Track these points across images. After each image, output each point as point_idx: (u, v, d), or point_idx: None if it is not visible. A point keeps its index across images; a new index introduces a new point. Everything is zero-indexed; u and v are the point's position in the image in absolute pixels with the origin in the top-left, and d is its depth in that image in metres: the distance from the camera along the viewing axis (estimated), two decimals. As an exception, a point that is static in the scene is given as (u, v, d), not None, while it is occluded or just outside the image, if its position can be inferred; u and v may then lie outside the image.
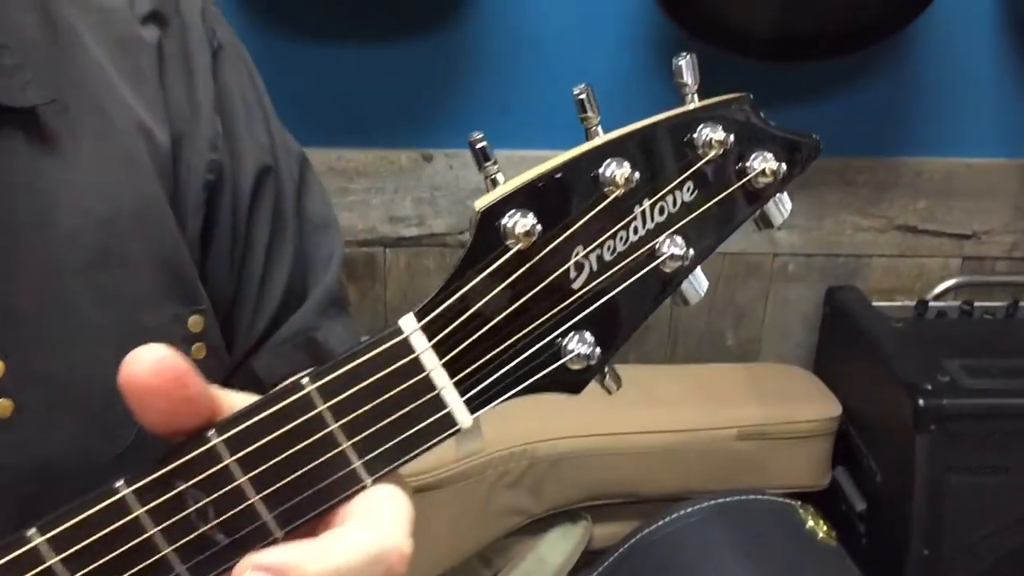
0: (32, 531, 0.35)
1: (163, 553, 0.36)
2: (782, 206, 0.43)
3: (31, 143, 0.52)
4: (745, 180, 0.40)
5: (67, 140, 0.53)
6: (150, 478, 0.35)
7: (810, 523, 1.27)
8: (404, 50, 1.50)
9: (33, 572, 0.35)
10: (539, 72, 1.52)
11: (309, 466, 0.36)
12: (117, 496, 0.35)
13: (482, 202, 0.38)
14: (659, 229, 0.40)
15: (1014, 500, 1.31)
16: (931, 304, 1.56)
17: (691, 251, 0.40)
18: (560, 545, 1.49)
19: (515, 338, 0.38)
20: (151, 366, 0.36)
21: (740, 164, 0.40)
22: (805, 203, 1.61)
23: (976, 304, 1.55)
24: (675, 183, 0.40)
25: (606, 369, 0.41)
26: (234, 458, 0.36)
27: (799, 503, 1.31)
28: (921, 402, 1.25)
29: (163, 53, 0.58)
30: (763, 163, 0.40)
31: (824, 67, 1.49)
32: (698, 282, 0.42)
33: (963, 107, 1.55)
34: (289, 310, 0.64)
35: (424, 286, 1.62)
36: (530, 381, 0.38)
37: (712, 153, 0.39)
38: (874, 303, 1.56)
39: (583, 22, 1.49)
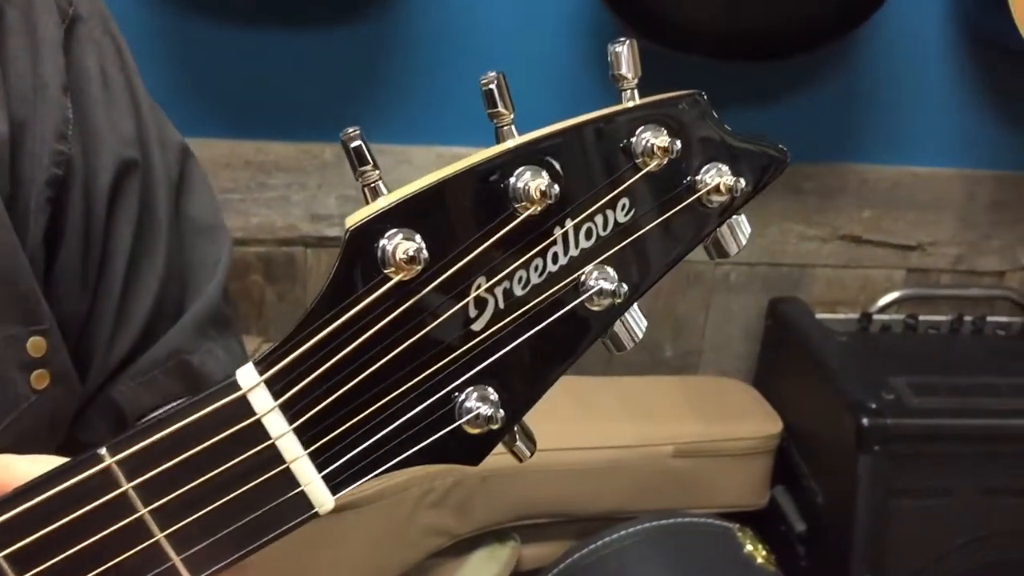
0: None
1: None
2: (739, 230, 0.35)
3: None
4: (694, 197, 0.32)
5: None
6: None
7: (748, 547, 1.21)
8: (332, 37, 1.40)
9: None
10: (472, 63, 1.43)
11: (114, 561, 0.27)
12: None
13: (354, 218, 0.29)
14: (585, 257, 0.31)
15: (960, 524, 1.27)
16: (875, 317, 1.51)
17: (623, 286, 0.32)
18: (486, 567, 1.40)
19: (393, 395, 0.29)
20: None
21: (689, 177, 0.32)
22: (749, 210, 1.53)
23: (920, 318, 1.51)
24: (606, 200, 0.31)
25: (516, 429, 0.33)
26: (3, 553, 0.26)
27: (737, 526, 1.25)
28: (865, 421, 1.20)
29: (4, 23, 0.48)
30: (717, 177, 0.32)
31: (771, 69, 1.43)
32: (634, 323, 0.34)
33: (911, 115, 1.50)
34: (158, 329, 0.55)
35: (348, 289, 1.53)
36: (412, 450, 0.30)
37: (654, 163, 0.31)
38: (818, 315, 1.51)
39: (519, 12, 1.41)
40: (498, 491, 1.35)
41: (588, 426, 1.40)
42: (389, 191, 0.28)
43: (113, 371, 0.54)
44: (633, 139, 0.31)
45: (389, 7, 1.39)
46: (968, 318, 1.50)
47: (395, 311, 0.29)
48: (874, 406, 1.21)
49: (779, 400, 1.46)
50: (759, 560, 1.19)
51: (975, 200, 1.56)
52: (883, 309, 1.56)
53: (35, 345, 0.49)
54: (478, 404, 0.30)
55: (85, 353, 0.53)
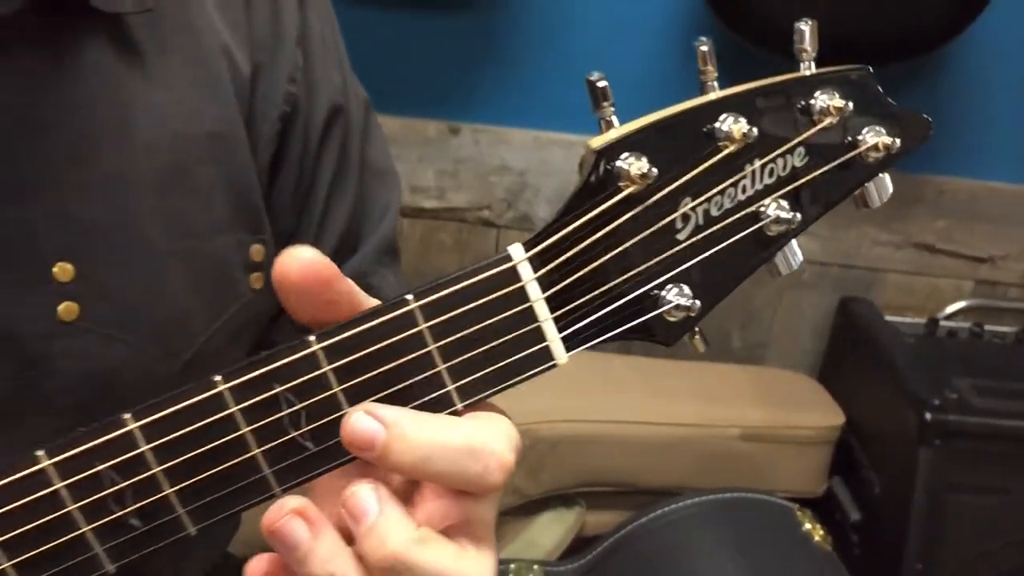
0: (127, 416, 0.34)
1: (252, 453, 0.35)
2: (884, 188, 0.42)
3: (118, 53, 0.51)
4: (857, 152, 0.40)
5: (153, 54, 0.52)
6: (248, 376, 0.35)
7: (807, 526, 1.27)
8: (444, 22, 1.49)
9: (124, 457, 0.34)
10: (573, 56, 1.51)
11: (403, 384, 0.36)
12: (214, 391, 0.34)
13: (598, 141, 0.37)
14: (767, 191, 0.39)
15: (1013, 522, 1.32)
16: (942, 323, 1.56)
17: (797, 216, 0.40)
18: (551, 529, 1.48)
19: (617, 281, 0.37)
20: (300, 268, 0.35)
21: (853, 135, 0.40)
22: (827, 214, 1.61)
23: (986, 327, 1.55)
24: (787, 147, 0.39)
25: (697, 328, 0.41)
26: (331, 367, 0.35)
27: (797, 506, 1.31)
28: (928, 416, 1.26)
29: None
30: (876, 137, 0.40)
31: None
32: (794, 254, 0.42)
33: (993, 130, 1.55)
34: (344, 252, 0.64)
35: (437, 264, 1.61)
36: (627, 326, 0.38)
37: (827, 120, 0.39)
38: (887, 318, 1.56)
39: (622, 10, 1.48)
40: (567, 457, 1.43)
41: (657, 403, 1.47)
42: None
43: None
44: (812, 100, 0.39)
45: (499, 2, 1.48)
46: (1033, 331, 1.55)
47: (622, 217, 0.37)
48: (937, 402, 1.27)
49: (842, 395, 1.52)
50: (816, 538, 1.25)
51: (1049, 218, 1.61)
52: (950, 317, 1.61)
53: (257, 251, 0.58)
54: (677, 297, 0.38)
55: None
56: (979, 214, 1.61)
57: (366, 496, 0.35)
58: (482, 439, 0.36)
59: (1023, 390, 1.35)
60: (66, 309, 0.49)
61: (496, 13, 1.48)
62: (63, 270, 0.49)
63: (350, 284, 0.38)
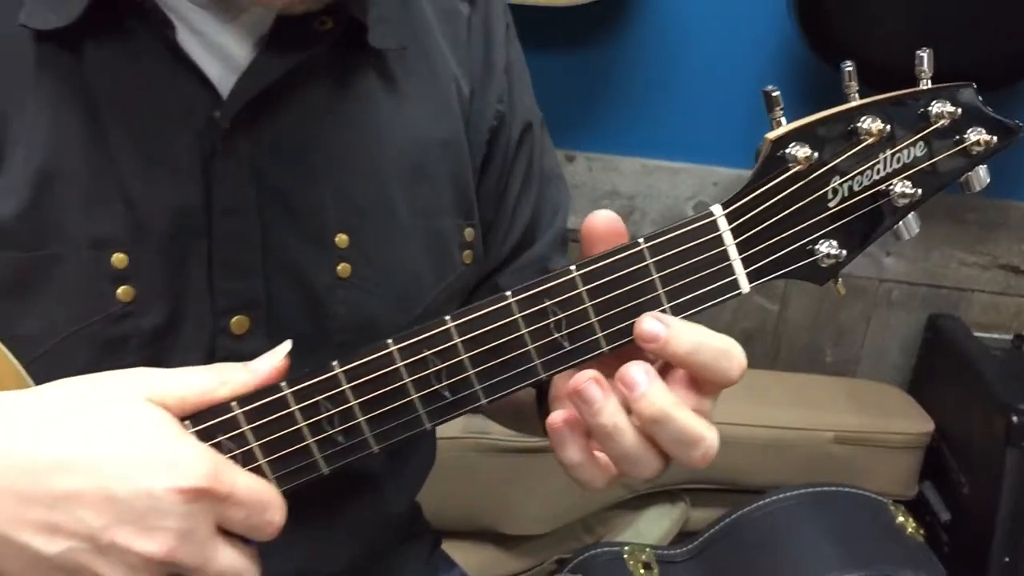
0: (447, 317, 0.50)
1: (527, 348, 0.50)
2: (980, 177, 0.56)
3: (379, 79, 0.68)
4: (963, 146, 0.54)
5: (402, 80, 0.69)
6: (528, 293, 0.50)
7: (900, 519, 1.38)
8: (564, 61, 1.65)
9: (442, 347, 0.50)
10: (676, 93, 1.66)
11: (633, 302, 0.51)
12: (505, 302, 0.50)
13: (774, 134, 0.52)
14: (895, 173, 0.53)
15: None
16: (1029, 339, 1.66)
17: (919, 191, 0.54)
18: (658, 523, 1.61)
19: (786, 235, 0.52)
20: (606, 222, 0.51)
21: (960, 134, 0.54)
22: (916, 236, 1.72)
23: (1071, 344, 1.65)
24: (911, 140, 0.53)
25: (839, 276, 0.55)
26: (585, 288, 0.50)
27: (891, 500, 1.42)
28: (1015, 419, 1.36)
29: (471, 24, 0.74)
30: (979, 135, 0.54)
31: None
32: (912, 224, 0.56)
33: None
34: (526, 241, 0.80)
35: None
36: (792, 267, 0.52)
37: (941, 123, 0.53)
38: (975, 334, 1.66)
39: (728, 50, 1.62)
40: (675, 455, 1.56)
41: (757, 408, 1.59)
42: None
43: (499, 264, 0.79)
44: (930, 107, 0.53)
45: (614, 41, 1.64)
46: (1116, 349, 1.63)
47: (790, 188, 0.51)
48: (1023, 406, 1.37)
49: (931, 405, 1.63)
50: (909, 530, 1.36)
51: None
52: (1035, 334, 1.71)
53: (468, 233, 0.74)
54: (828, 248, 0.52)
55: (484, 248, 0.78)
56: (1062, 238, 1.71)
57: (638, 371, 0.50)
58: (730, 344, 0.51)
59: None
60: (343, 268, 0.66)
61: (609, 55, 1.64)
62: (341, 239, 0.65)
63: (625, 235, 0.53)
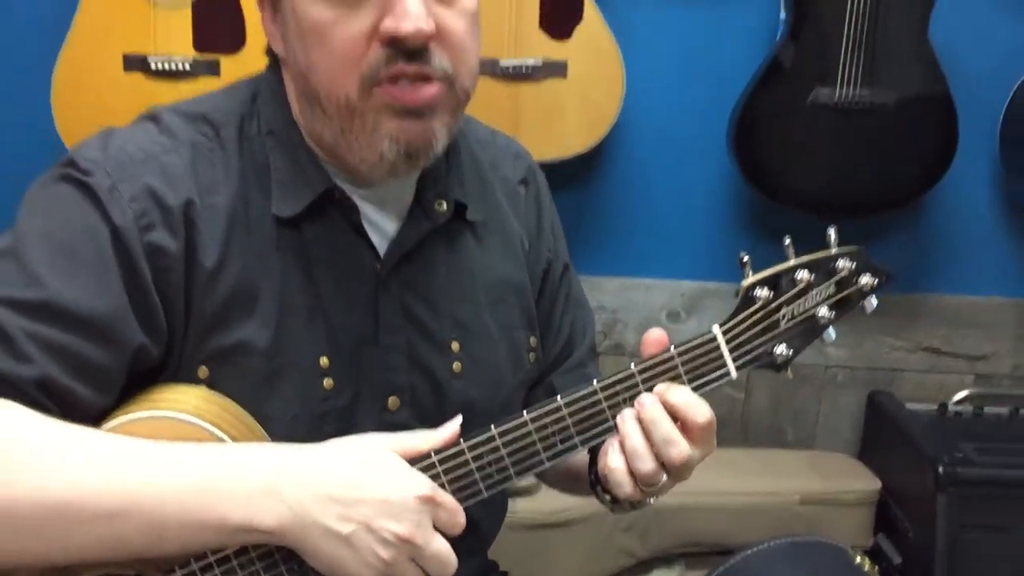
0: (559, 401, 0.83)
1: (573, 433, 0.84)
2: (871, 302, 0.90)
3: (472, 238, 1.02)
4: (858, 286, 0.88)
5: (487, 239, 1.03)
6: (579, 393, 0.84)
7: (859, 560, 1.69)
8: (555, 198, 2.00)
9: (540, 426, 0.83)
10: (648, 223, 2.03)
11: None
12: (556, 404, 0.84)
13: (746, 282, 0.86)
14: (820, 303, 0.87)
15: (1015, 556, 1.73)
16: (950, 407, 2.00)
17: (833, 314, 0.88)
18: (659, 584, 1.90)
19: (757, 342, 0.85)
20: (659, 337, 0.84)
21: (857, 278, 0.88)
22: (851, 327, 2.08)
23: (986, 409, 1.99)
24: (827, 284, 0.88)
25: (790, 367, 0.88)
26: (641, 378, 0.84)
27: (850, 544, 1.73)
28: (941, 469, 1.70)
29: (526, 200, 1.09)
30: (867, 279, 0.88)
31: (867, 224, 1.99)
32: (831, 333, 0.90)
33: (970, 257, 2.04)
34: (566, 351, 1.12)
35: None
36: (761, 361, 0.86)
37: (844, 272, 0.88)
38: (907, 406, 2.01)
39: (685, 187, 2.00)
40: (669, 523, 1.87)
41: (733, 480, 1.91)
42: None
43: (549, 367, 1.11)
44: (837, 263, 0.88)
45: (590, 185, 2.00)
46: (1022, 410, 1.98)
47: (757, 315, 0.85)
48: (947, 459, 1.71)
49: (878, 467, 1.96)
50: (867, 567, 1.67)
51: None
52: (958, 403, 2.05)
53: (532, 342, 1.06)
54: (782, 350, 0.86)
55: (544, 355, 1.11)
56: (970, 322, 2.07)
57: (647, 395, 0.83)
58: (703, 403, 0.85)
59: (1015, 449, 1.79)
60: (456, 366, 0.98)
61: (591, 195, 2.01)
62: (455, 347, 0.98)
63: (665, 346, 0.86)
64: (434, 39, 0.83)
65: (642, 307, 2.07)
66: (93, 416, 0.80)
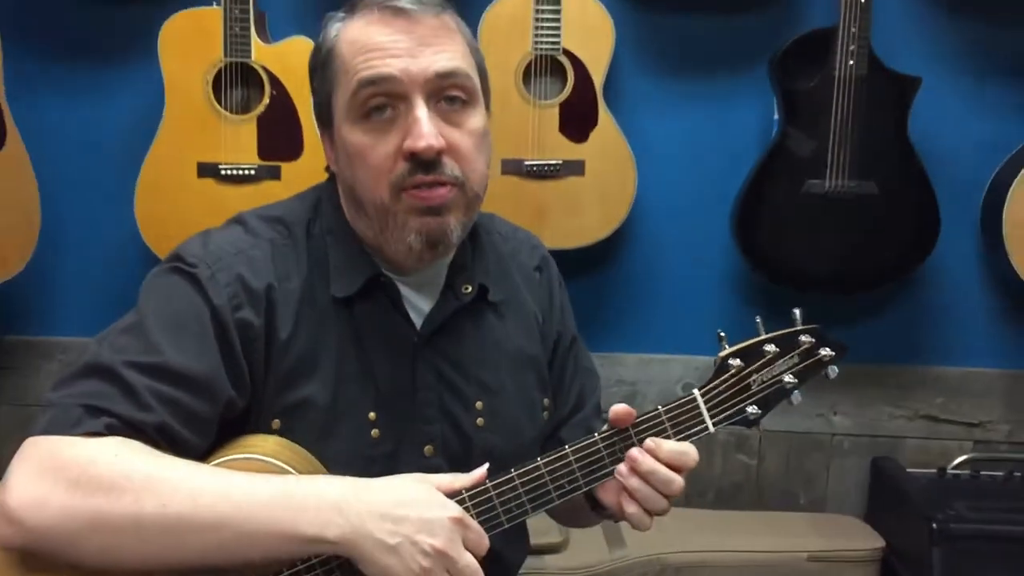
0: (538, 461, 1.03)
1: (577, 474, 1.03)
2: (833, 370, 1.09)
3: (493, 315, 1.22)
4: (818, 357, 1.07)
5: (507, 316, 1.24)
6: (584, 443, 1.03)
7: (862, 611, 1.83)
8: (578, 282, 2.20)
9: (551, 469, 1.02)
10: (662, 305, 2.23)
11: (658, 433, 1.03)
12: (563, 452, 1.03)
13: (722, 354, 1.05)
14: (785, 371, 1.06)
15: (1008, 606, 1.87)
16: (949, 471, 2.15)
17: (798, 380, 1.06)
18: (679, 637, 2.04)
19: (730, 403, 1.04)
20: (626, 411, 1.03)
21: (817, 350, 1.07)
22: (854, 398, 2.24)
23: (982, 472, 2.13)
24: (791, 355, 1.07)
25: (761, 424, 1.07)
26: (636, 433, 1.03)
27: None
28: (935, 525, 1.85)
29: (540, 282, 1.30)
30: (826, 351, 1.07)
31: (864, 301, 2.17)
32: (798, 396, 1.08)
33: (962, 331, 2.21)
34: (576, 408, 1.32)
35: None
36: (735, 420, 1.04)
37: (806, 345, 1.07)
38: (908, 470, 2.16)
39: (695, 271, 2.20)
40: (688, 579, 2.02)
41: (747, 538, 2.07)
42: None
43: (560, 422, 1.30)
44: (800, 337, 1.06)
45: (609, 269, 2.21)
46: (1017, 473, 2.13)
47: (730, 381, 1.04)
48: (941, 516, 1.86)
49: (882, 527, 2.10)
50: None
51: (1016, 391, 2.23)
52: (957, 466, 2.20)
53: (546, 402, 1.26)
54: (752, 409, 1.04)
55: (556, 412, 1.30)
56: (965, 391, 2.23)
57: (638, 452, 1.01)
58: (689, 447, 1.03)
59: (1007, 507, 1.93)
60: (480, 421, 1.17)
61: (610, 279, 2.22)
62: (479, 405, 1.17)
63: (634, 417, 1.05)
64: (446, 152, 1.06)
65: (660, 380, 2.25)
66: (195, 458, 1.00)
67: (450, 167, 1.06)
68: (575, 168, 2.00)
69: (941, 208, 2.00)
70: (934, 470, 2.16)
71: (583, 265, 2.18)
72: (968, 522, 1.87)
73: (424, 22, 1.06)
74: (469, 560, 0.96)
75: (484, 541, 0.98)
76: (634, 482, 1.02)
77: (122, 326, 1.03)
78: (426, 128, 1.04)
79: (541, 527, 2.02)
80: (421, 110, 1.04)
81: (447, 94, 1.07)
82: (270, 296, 1.08)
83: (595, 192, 2.01)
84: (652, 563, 2.00)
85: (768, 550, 2.04)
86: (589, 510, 1.16)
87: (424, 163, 1.05)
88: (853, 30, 1.90)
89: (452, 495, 1.00)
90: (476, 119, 1.10)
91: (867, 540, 2.08)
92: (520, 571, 1.86)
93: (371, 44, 1.05)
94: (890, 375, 2.24)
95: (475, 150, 1.09)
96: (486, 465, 1.04)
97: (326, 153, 1.16)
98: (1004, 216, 1.97)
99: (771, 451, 2.28)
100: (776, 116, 2.02)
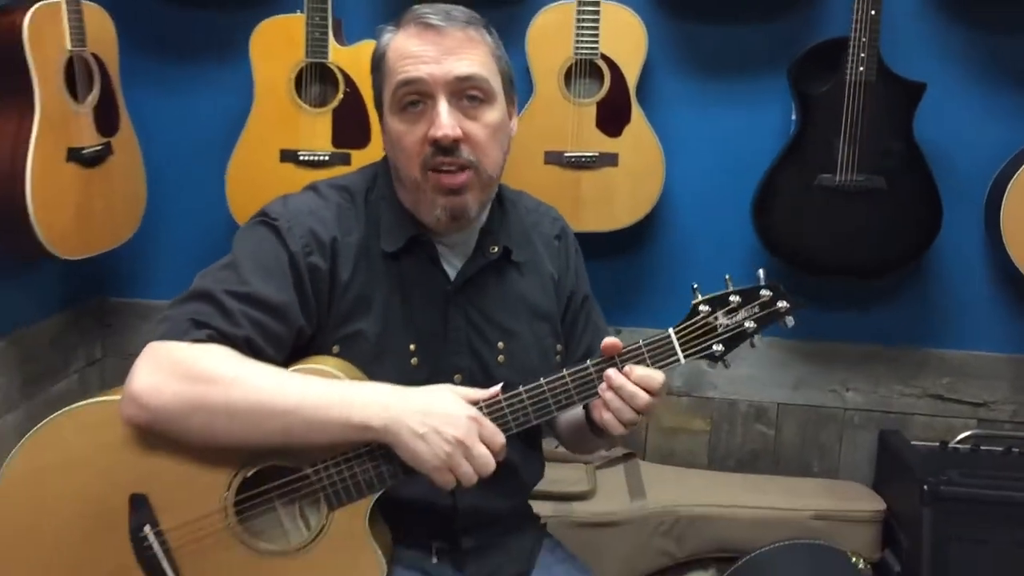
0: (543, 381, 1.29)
1: (572, 391, 1.28)
2: (788, 320, 1.31)
3: (516, 273, 1.48)
4: (776, 308, 1.29)
5: (528, 274, 1.50)
6: (579, 368, 1.28)
7: (854, 560, 2.05)
8: (609, 261, 2.46)
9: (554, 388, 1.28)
10: (687, 280, 2.44)
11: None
12: (562, 375, 1.28)
13: (694, 301, 1.29)
14: (746, 319, 1.29)
15: (995, 565, 2.05)
16: (951, 445, 2.33)
17: (757, 326, 1.29)
18: (695, 584, 2.27)
19: (701, 341, 1.28)
20: (613, 342, 1.28)
21: (775, 303, 1.30)
22: (866, 376, 2.44)
23: (982, 447, 2.31)
24: (752, 304, 1.30)
25: (727, 359, 1.31)
26: (621, 363, 1.28)
27: (849, 551, 2.09)
28: (926, 487, 2.04)
29: (558, 248, 1.55)
30: (782, 304, 1.29)
31: (874, 286, 2.37)
32: (757, 341, 1.31)
33: (967, 316, 2.39)
34: (586, 358, 1.53)
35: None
36: (703, 354, 1.28)
37: (765, 298, 1.30)
38: (912, 443, 2.35)
39: (716, 251, 2.43)
40: (702, 530, 2.25)
41: (759, 496, 2.29)
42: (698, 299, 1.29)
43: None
44: (761, 292, 1.28)
45: (637, 250, 2.45)
46: (1016, 449, 2.30)
47: (700, 323, 1.28)
48: (932, 479, 2.06)
49: (886, 494, 2.30)
50: (860, 566, 2.02)
51: (1022, 374, 2.40)
52: (958, 442, 2.37)
53: (558, 348, 1.51)
54: (718, 347, 1.27)
55: (568, 358, 1.55)
56: (970, 373, 2.41)
57: (612, 371, 1.26)
58: (659, 374, 1.27)
59: (997, 475, 2.11)
60: (501, 359, 1.43)
61: (638, 258, 2.45)
62: (501, 345, 1.43)
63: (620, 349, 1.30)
64: (463, 140, 1.32)
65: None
66: None
67: (466, 152, 1.32)
68: (610, 160, 2.24)
69: (945, 202, 2.19)
70: (937, 444, 2.34)
71: (615, 247, 2.42)
72: (958, 486, 2.06)
73: (451, 35, 1.32)
74: (483, 451, 1.21)
75: (499, 437, 1.23)
76: (608, 395, 1.26)
77: (220, 264, 1.32)
78: (445, 120, 1.30)
79: (571, 478, 2.28)
80: (442, 106, 1.30)
81: (467, 93, 1.32)
82: (334, 247, 1.36)
83: (627, 181, 2.25)
84: (668, 514, 2.23)
85: (777, 507, 2.25)
86: (589, 431, 1.40)
87: (444, 148, 1.31)
88: (863, 40, 2.11)
89: (473, 403, 1.26)
90: (492, 114, 1.35)
91: (869, 503, 2.28)
92: (549, 514, 2.13)
93: (408, 52, 1.32)
94: (900, 355, 2.43)
95: (489, 139, 1.34)
96: (501, 384, 1.29)
97: (382, 136, 1.44)
98: (1002, 212, 2.15)
99: (788, 423, 2.49)
100: (793, 116, 2.24)
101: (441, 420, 1.20)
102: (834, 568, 2.02)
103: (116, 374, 2.57)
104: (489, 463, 1.21)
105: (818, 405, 2.47)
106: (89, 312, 2.52)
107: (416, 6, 1.36)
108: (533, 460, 1.53)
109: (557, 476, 2.15)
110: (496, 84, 1.36)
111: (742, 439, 2.51)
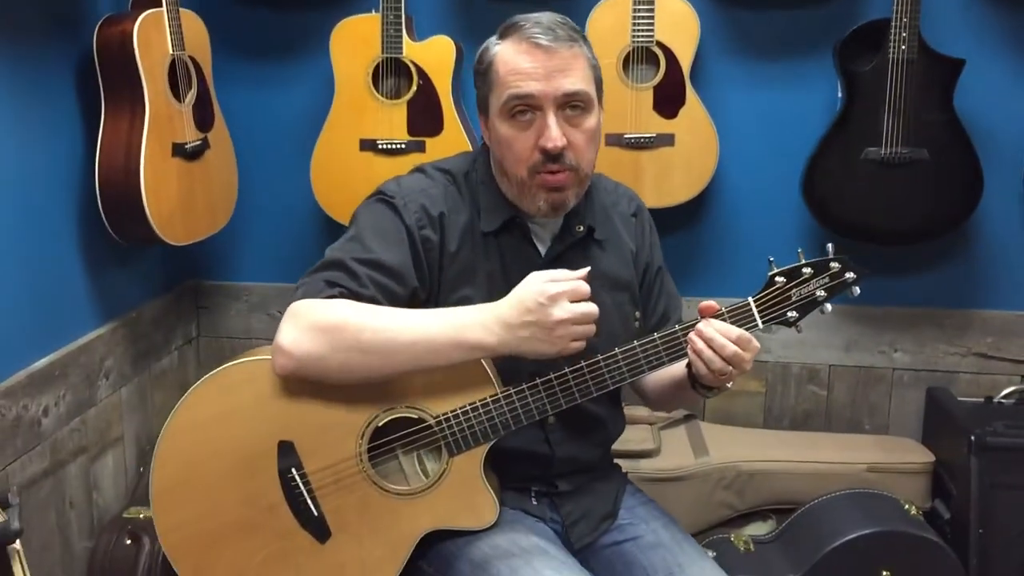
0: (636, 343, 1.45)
1: (662, 353, 1.46)
2: (855, 290, 1.46)
3: (599, 250, 1.66)
4: (844, 279, 1.45)
5: (609, 249, 1.67)
6: (668, 331, 1.45)
7: (906, 506, 2.20)
8: (674, 235, 2.59)
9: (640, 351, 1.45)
10: (743, 254, 2.60)
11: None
12: (651, 339, 1.45)
13: (770, 272, 1.45)
14: (817, 287, 1.45)
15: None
16: (996, 400, 2.48)
17: (827, 294, 1.44)
18: (757, 532, 2.43)
19: (777, 308, 1.44)
20: (709, 305, 1.45)
21: (844, 274, 1.45)
22: (913, 337, 2.58)
23: (1025, 401, 2.46)
24: (823, 275, 1.45)
25: (799, 325, 1.46)
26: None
27: (902, 497, 2.24)
28: (973, 437, 2.19)
29: (636, 226, 1.73)
30: (851, 275, 1.45)
31: (919, 252, 2.51)
32: (828, 307, 1.47)
33: (1010, 279, 2.52)
34: (662, 324, 1.72)
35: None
36: (779, 320, 1.44)
37: (834, 269, 1.45)
38: (959, 399, 2.49)
39: (771, 221, 2.57)
40: (762, 484, 2.41)
41: (815, 451, 2.44)
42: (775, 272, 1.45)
43: (650, 331, 1.68)
44: (831, 264, 1.43)
45: (696, 224, 2.60)
46: (1058, 403, 2.44)
47: (776, 292, 1.43)
48: (979, 431, 2.20)
49: (935, 448, 2.45)
50: (912, 512, 2.18)
51: (1061, 331, 2.53)
52: (1003, 397, 2.51)
53: (637, 315, 1.68)
54: (792, 314, 1.43)
55: (645, 323, 1.71)
56: (1014, 332, 2.54)
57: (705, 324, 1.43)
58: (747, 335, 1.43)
59: (1040, 426, 2.26)
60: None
61: (697, 233, 2.60)
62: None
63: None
64: (567, 148, 1.48)
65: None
66: None
67: (569, 158, 1.50)
68: (666, 140, 2.39)
69: (985, 170, 2.32)
70: (982, 399, 2.49)
71: (674, 222, 2.57)
72: (1004, 436, 2.21)
73: (558, 53, 1.47)
74: (579, 310, 1.38)
75: (583, 287, 1.40)
76: (700, 345, 1.42)
77: (346, 237, 1.52)
78: (554, 132, 1.47)
79: (638, 437, 2.45)
80: (551, 119, 1.47)
81: (571, 104, 1.49)
82: (443, 221, 1.55)
83: (683, 160, 2.40)
84: (729, 469, 2.40)
85: (832, 461, 2.41)
86: (689, 388, 1.56)
87: (552, 156, 1.48)
88: (904, 20, 2.24)
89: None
90: (591, 120, 1.52)
91: (919, 455, 2.43)
92: (623, 469, 2.28)
93: (519, 68, 1.48)
94: (945, 317, 2.57)
95: (588, 144, 1.52)
96: (588, 268, 1.45)
97: (483, 130, 1.60)
98: (1041, 177, 2.28)
99: (839, 383, 2.64)
100: (839, 94, 2.37)
101: (537, 315, 1.37)
102: (889, 512, 2.18)
103: (210, 351, 2.77)
104: (591, 313, 1.39)
105: (868, 366, 2.62)
106: (185, 294, 2.72)
107: (519, 17, 1.52)
108: (617, 416, 1.71)
109: (625, 436, 2.31)
110: (593, 92, 1.52)
111: (795, 400, 2.67)
